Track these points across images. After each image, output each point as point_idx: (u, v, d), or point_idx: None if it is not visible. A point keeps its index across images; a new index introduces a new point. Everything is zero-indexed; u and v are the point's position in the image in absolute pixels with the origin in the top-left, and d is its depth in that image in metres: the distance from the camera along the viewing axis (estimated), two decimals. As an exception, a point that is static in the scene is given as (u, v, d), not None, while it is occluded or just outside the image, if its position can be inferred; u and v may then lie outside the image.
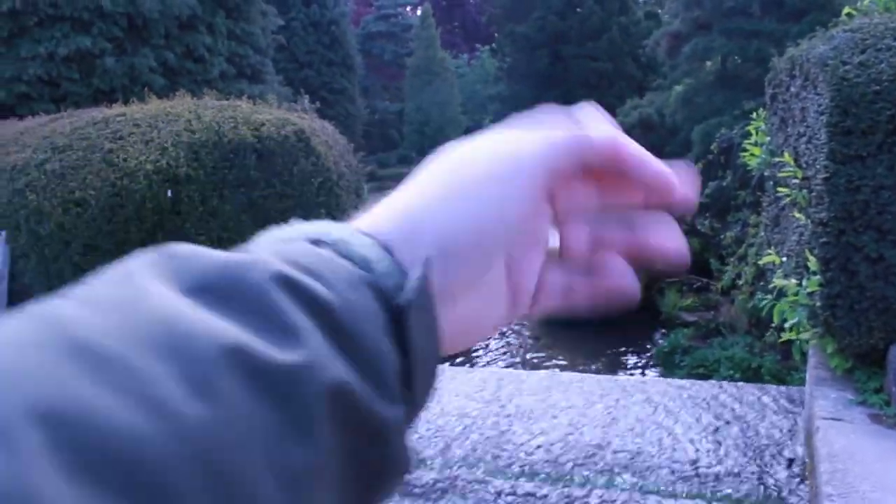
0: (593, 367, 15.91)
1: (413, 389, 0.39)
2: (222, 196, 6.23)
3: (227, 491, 0.27)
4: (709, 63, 17.33)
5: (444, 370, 7.62)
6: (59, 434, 0.23)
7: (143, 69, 15.55)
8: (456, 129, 37.54)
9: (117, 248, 5.64)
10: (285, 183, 6.51)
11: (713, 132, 12.93)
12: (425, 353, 0.40)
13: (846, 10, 5.65)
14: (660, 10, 25.92)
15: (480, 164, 0.47)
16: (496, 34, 36.98)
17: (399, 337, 0.38)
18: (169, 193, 5.84)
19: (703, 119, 14.31)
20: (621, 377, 7.22)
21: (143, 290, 0.31)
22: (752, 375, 8.92)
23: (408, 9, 44.73)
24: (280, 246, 0.39)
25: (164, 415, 0.26)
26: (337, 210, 6.82)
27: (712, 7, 17.45)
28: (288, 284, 0.34)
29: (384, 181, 28.60)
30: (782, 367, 8.69)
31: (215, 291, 0.32)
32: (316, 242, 0.41)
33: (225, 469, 0.27)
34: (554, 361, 16.37)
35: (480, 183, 0.45)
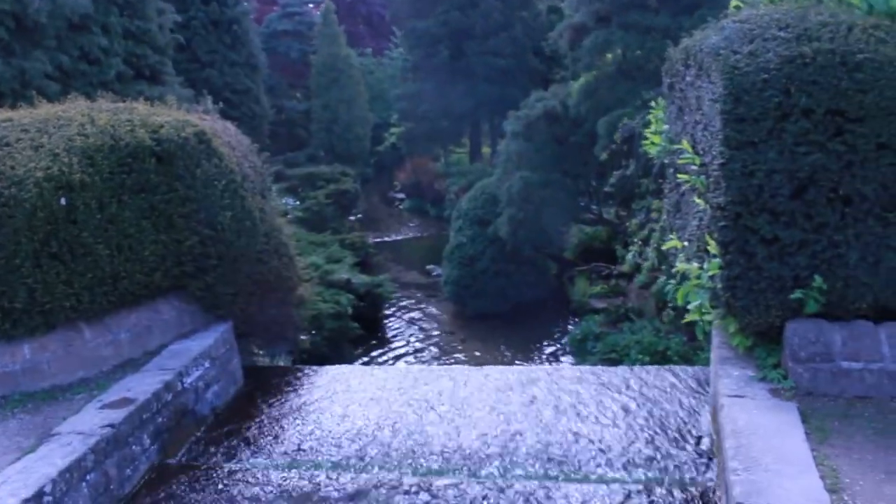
0: (508, 357, 16.10)
1: None
2: (121, 202, 6.01)
3: None
4: (609, 55, 17.69)
5: (360, 368, 7.55)
6: None
7: (36, 74, 14.89)
8: (364, 126, 37.33)
9: (7, 261, 5.37)
10: (188, 186, 6.33)
11: (616, 123, 13.22)
12: None
13: (734, 2, 5.83)
14: (561, 4, 26.33)
15: None
16: (399, 31, 36.93)
17: None
18: (63, 201, 5.59)
19: (606, 110, 14.61)
20: (535, 366, 7.31)
21: None
22: (661, 358, 9.20)
23: (311, 6, 44.11)
24: None
25: None
26: (243, 212, 6.68)
27: (611, 0, 17.82)
28: None
29: (292, 181, 28.22)
30: (688, 349, 8.97)
31: None
32: None
33: None
34: (469, 354, 16.50)
35: None
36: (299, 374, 7.24)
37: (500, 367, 7.32)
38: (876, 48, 4.50)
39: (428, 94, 33.20)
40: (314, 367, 7.56)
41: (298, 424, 6.07)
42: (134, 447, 5.20)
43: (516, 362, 15.04)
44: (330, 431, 5.90)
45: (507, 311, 17.76)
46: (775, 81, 4.49)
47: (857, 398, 4.50)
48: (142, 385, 5.58)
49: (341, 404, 6.41)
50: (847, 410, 4.38)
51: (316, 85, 36.44)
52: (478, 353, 16.14)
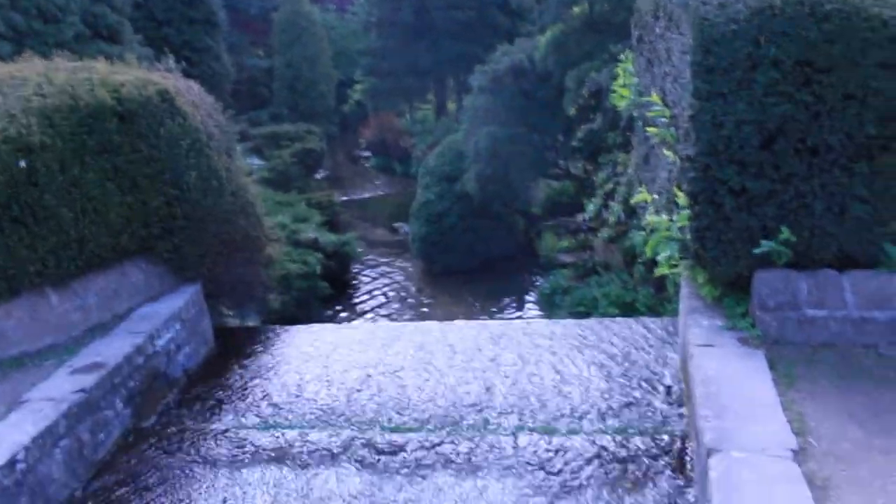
0: (477, 312, 16.19)
1: None
2: (83, 164, 5.88)
3: None
4: (577, 8, 17.56)
5: (331, 326, 7.55)
6: None
7: (-12, 33, 14.45)
8: (327, 83, 36.86)
9: (-33, 226, 5.25)
10: (152, 146, 6.21)
11: (584, 77, 13.17)
12: None
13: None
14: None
15: None
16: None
17: None
18: (22, 164, 5.46)
19: (573, 64, 14.54)
20: (504, 321, 7.36)
21: None
22: (629, 310, 9.30)
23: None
24: None
25: None
26: (208, 171, 6.59)
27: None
28: None
29: (256, 140, 27.87)
30: (656, 300, 9.08)
31: None
32: None
33: None
34: (439, 310, 16.56)
35: None
36: (270, 335, 7.22)
37: (470, 322, 7.37)
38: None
39: (392, 51, 32.83)
40: (285, 327, 7.54)
41: (271, 384, 6.07)
42: (106, 412, 5.17)
43: (485, 317, 15.13)
44: (302, 390, 5.91)
45: (475, 267, 17.82)
46: (745, 32, 4.49)
47: (821, 345, 4.59)
48: (112, 349, 5.53)
49: (313, 363, 6.41)
50: (812, 357, 4.48)
51: (278, 42, 35.85)
52: (447, 309, 16.21)
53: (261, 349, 6.82)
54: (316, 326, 7.67)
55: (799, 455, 3.56)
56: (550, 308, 13.99)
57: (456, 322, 7.30)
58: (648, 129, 5.50)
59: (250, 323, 9.41)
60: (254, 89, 37.01)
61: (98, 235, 6.03)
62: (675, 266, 5.16)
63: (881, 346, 4.52)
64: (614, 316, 7.98)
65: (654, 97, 5.33)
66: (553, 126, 16.41)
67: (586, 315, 10.46)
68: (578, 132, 13.51)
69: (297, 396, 5.82)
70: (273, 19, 36.27)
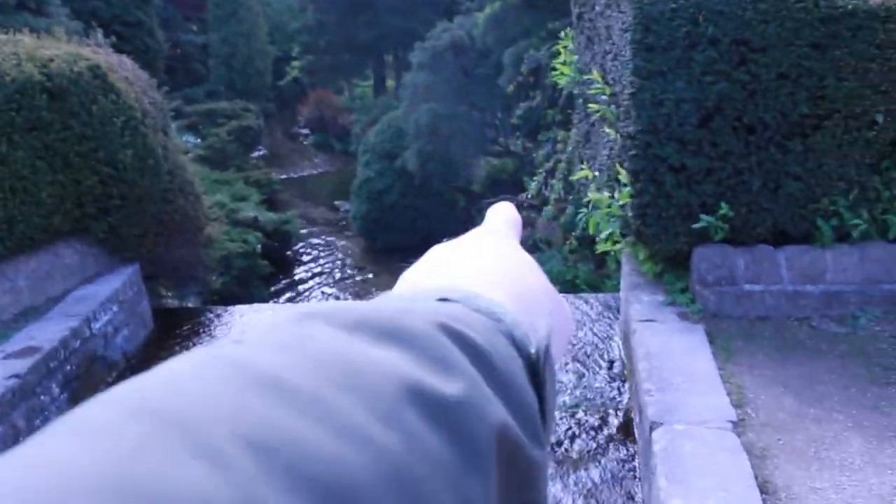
0: (420, 291, 16.17)
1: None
2: (11, 142, 5.67)
3: None
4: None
5: (271, 306, 7.47)
6: (273, 461, 0.25)
7: None
8: (264, 60, 36.21)
9: None
10: (84, 124, 6.01)
11: (523, 54, 13.18)
12: (553, 399, 0.42)
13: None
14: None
15: (512, 254, 0.51)
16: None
17: (533, 384, 0.39)
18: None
19: (512, 41, 14.52)
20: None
21: (309, 331, 0.32)
22: (570, 286, 9.38)
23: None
24: (411, 304, 0.39)
25: (363, 445, 0.27)
26: (144, 150, 6.42)
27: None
28: (445, 329, 0.35)
29: (192, 118, 27.27)
30: (596, 277, 9.18)
31: (376, 330, 0.33)
32: (443, 301, 0.41)
33: (420, 497, 0.28)
34: (380, 288, 16.55)
35: (525, 264, 0.50)
36: (210, 315, 7.12)
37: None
38: (778, -21, 4.60)
39: (329, 26, 32.41)
40: (226, 308, 7.44)
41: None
42: (42, 397, 5.03)
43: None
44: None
45: (416, 244, 17.71)
46: (683, 11, 4.55)
47: (758, 318, 4.72)
48: (46, 333, 5.38)
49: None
50: (750, 330, 4.60)
51: (213, 18, 35.02)
52: (389, 287, 16.19)
53: (202, 331, 6.72)
54: (256, 306, 7.59)
55: (738, 426, 3.65)
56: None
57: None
58: (590, 106, 5.54)
59: (190, 304, 9.25)
60: (189, 66, 36.12)
61: (29, 216, 5.83)
62: (617, 243, 5.23)
63: (814, 318, 4.67)
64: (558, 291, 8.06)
65: (595, 75, 5.37)
66: (493, 103, 16.42)
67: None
68: (518, 109, 13.53)
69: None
70: (207, -7, 35.38)
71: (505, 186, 17.40)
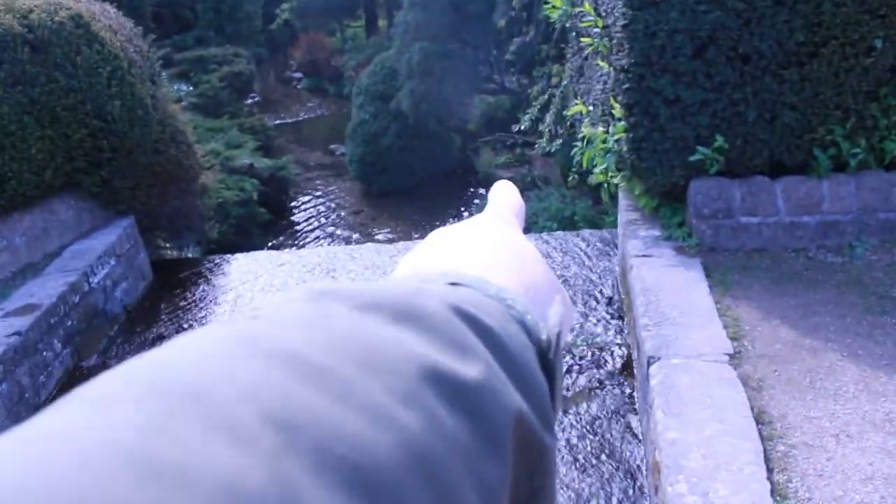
0: (418, 231, 16.20)
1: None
2: (-3, 96, 5.61)
3: (441, 500, 0.27)
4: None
5: (271, 253, 7.47)
6: (298, 439, 0.24)
7: None
8: (253, 3, 35.59)
9: None
10: (69, 76, 5.92)
11: (514, -12, 12.96)
12: (561, 386, 0.41)
13: None
14: None
15: (517, 242, 0.50)
16: None
17: (544, 371, 0.39)
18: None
19: (503, -26, 14.27)
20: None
21: (327, 310, 0.32)
22: (569, 223, 9.36)
23: None
24: (424, 285, 0.39)
25: (386, 425, 0.27)
26: (133, 100, 6.33)
27: None
28: (459, 312, 0.35)
29: (182, 66, 26.90)
30: (595, 213, 9.16)
31: (393, 310, 0.33)
32: (454, 285, 0.40)
33: (441, 479, 0.28)
34: (380, 230, 16.52)
35: (529, 253, 0.50)
36: (209, 265, 7.12)
37: (408, 243, 7.36)
38: None
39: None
40: (224, 256, 7.44)
41: (211, 316, 6.02)
42: (45, 353, 5.06)
43: (425, 236, 15.12)
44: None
45: (414, 185, 17.74)
46: (675, -61, 4.43)
47: (755, 251, 4.71)
48: (45, 289, 5.39)
49: (254, 292, 6.36)
50: (746, 263, 4.60)
51: (198, -40, 34.31)
52: (388, 230, 16.17)
53: (201, 280, 6.73)
54: (255, 254, 7.59)
55: (734, 358, 3.68)
56: (491, 224, 14.03)
57: (396, 244, 7.29)
58: (582, 39, 5.45)
59: (189, 254, 9.25)
60: (176, 12, 35.49)
61: (19, 172, 5.79)
62: (612, 177, 5.20)
63: (810, 249, 4.66)
64: (554, 230, 8.04)
65: (587, 7, 5.26)
66: (486, 40, 16.16)
67: (527, 230, 10.48)
68: (511, 45, 13.33)
69: (241, 326, 5.78)
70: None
71: (501, 124, 17.25)
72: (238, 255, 7.44)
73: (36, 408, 4.91)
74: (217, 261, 7.25)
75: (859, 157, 4.53)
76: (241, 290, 6.41)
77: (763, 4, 4.38)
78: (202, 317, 6.00)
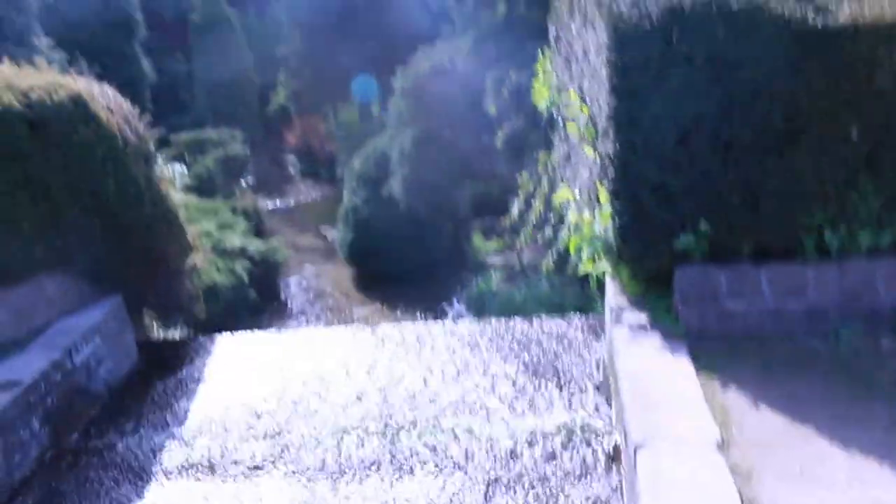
0: (407, 317, 16.15)
1: None
2: (-9, 173, 5.66)
3: None
4: (495, 10, 17.65)
5: (258, 335, 7.43)
6: None
7: None
8: (249, 87, 36.32)
9: None
10: (65, 154, 6.00)
11: (504, 77, 13.28)
12: None
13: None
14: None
15: None
16: (283, -13, 35.76)
17: None
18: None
19: (493, 64, 14.65)
20: (433, 324, 7.36)
21: None
22: (558, 310, 9.37)
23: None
24: None
25: None
26: (126, 179, 6.40)
27: (497, -46, 17.71)
28: None
29: (178, 147, 27.23)
30: (584, 299, 9.18)
31: None
32: None
33: None
34: (369, 315, 16.47)
35: None
36: (196, 346, 7.06)
37: (399, 326, 7.35)
38: (748, -2, 4.65)
39: (315, 53, 32.51)
40: (211, 338, 7.39)
41: (196, 398, 5.94)
42: (22, 432, 4.97)
43: (415, 322, 15.12)
44: (229, 403, 5.78)
45: (405, 271, 17.73)
46: (658, 30, 4.57)
47: (742, 337, 4.71)
48: (28, 366, 5.32)
49: (239, 374, 6.30)
50: (733, 349, 4.59)
51: (197, 46, 35.15)
52: (377, 314, 16.14)
53: (186, 362, 6.66)
54: (242, 336, 7.53)
55: (723, 445, 3.63)
56: (480, 311, 14.02)
57: (384, 326, 7.27)
58: (569, 126, 5.56)
59: (177, 335, 9.18)
60: (175, 94, 36.14)
61: (9, 246, 5.79)
62: (598, 264, 5.23)
63: (797, 335, 4.66)
64: (544, 315, 8.04)
65: (573, 95, 5.39)
66: (476, 127, 16.47)
67: (514, 316, 10.49)
68: (501, 132, 13.59)
69: (223, 409, 5.70)
70: (190, 22, 35.51)
71: (492, 210, 17.40)
72: (225, 337, 7.38)
73: (11, 488, 4.79)
74: (204, 342, 7.20)
75: (839, 244, 4.59)
76: (226, 373, 6.34)
77: (743, 94, 4.49)
78: (186, 399, 5.92)
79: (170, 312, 7.85)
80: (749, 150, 4.53)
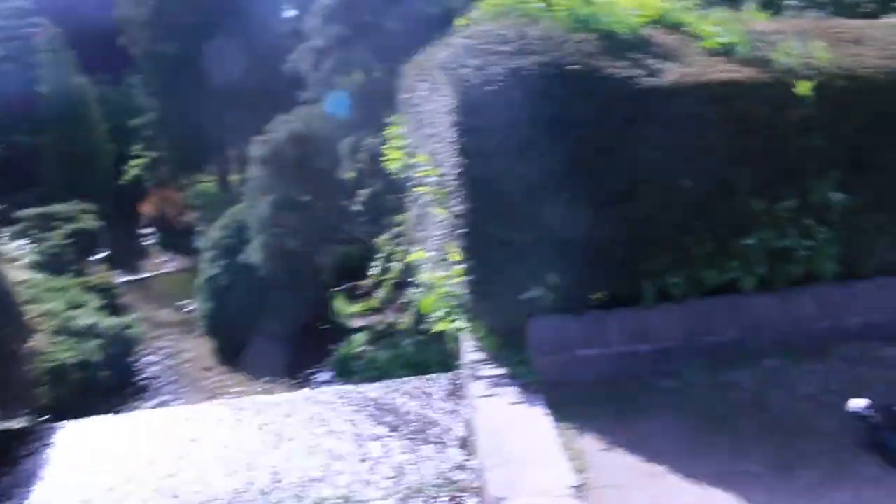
0: (275, 386, 15.74)
1: None
2: None
3: None
4: (352, 76, 17.89)
5: (107, 419, 7.04)
6: None
7: None
8: (104, 158, 35.04)
9: None
10: None
11: (360, 142, 13.44)
12: None
13: (461, 20, 6.10)
14: (303, 27, 26.23)
15: None
16: (136, 57, 34.86)
17: None
18: None
19: (350, 130, 14.81)
20: (296, 393, 7.21)
21: None
22: (422, 369, 9.38)
23: (32, 30, 40.44)
24: None
25: None
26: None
27: (351, 23, 18.04)
28: None
29: (25, 222, 25.79)
30: (447, 357, 9.22)
31: None
32: None
33: None
34: (232, 387, 15.94)
35: None
36: (36, 436, 6.58)
37: (260, 397, 7.15)
38: (586, 61, 4.91)
39: (171, 123, 31.82)
40: (57, 425, 6.92)
41: (37, 492, 5.53)
42: None
43: (278, 392, 14.74)
44: (72, 496, 5.40)
45: (268, 340, 17.36)
46: (501, 92, 4.74)
47: (595, 382, 4.83)
48: None
49: (81, 464, 5.92)
50: (588, 395, 4.69)
51: (46, 118, 33.63)
52: (240, 387, 15.66)
53: (26, 453, 6.19)
54: (91, 420, 7.09)
55: (581, 491, 3.69)
56: (345, 375, 13.89)
57: (242, 399, 7.05)
58: (420, 188, 5.65)
59: (17, 423, 8.56)
60: (22, 168, 34.30)
61: None
62: (455, 321, 5.28)
63: (646, 376, 4.84)
64: (408, 376, 8.02)
65: (423, 157, 5.49)
66: (334, 192, 16.53)
67: (381, 378, 10.41)
68: (359, 197, 13.70)
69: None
70: (39, 94, 33.94)
71: (353, 273, 17.42)
72: (73, 423, 6.92)
73: None
74: (48, 430, 6.73)
75: (679, 287, 4.83)
76: (68, 463, 5.95)
77: (583, 152, 4.70)
78: (24, 494, 5.50)
79: (7, 401, 7.32)
80: (591, 204, 4.72)
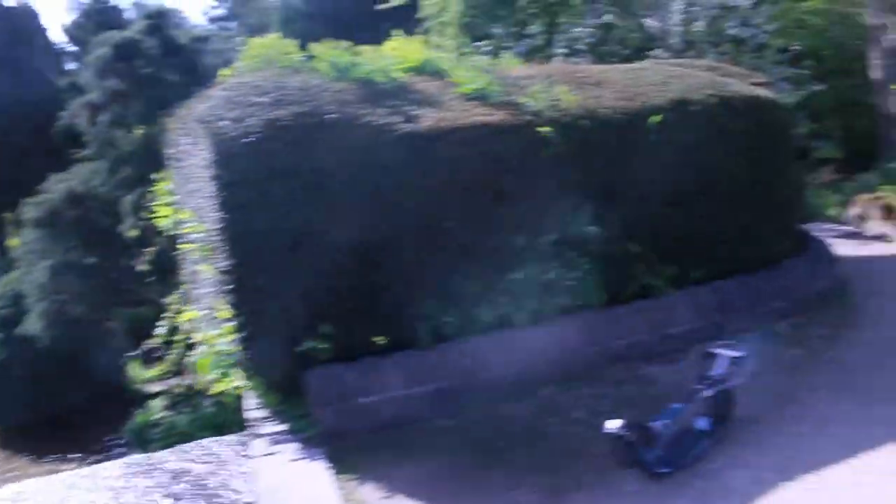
0: (65, 465, 14.55)
1: None
2: None
3: None
4: (133, 131, 17.19)
5: None
6: None
7: None
8: None
9: None
10: None
11: (141, 200, 12.88)
12: None
13: (222, 71, 6.01)
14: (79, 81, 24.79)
15: None
16: None
17: None
18: None
19: (132, 187, 14.17)
20: (79, 471, 6.65)
21: None
22: (221, 429, 8.99)
23: None
24: None
25: None
26: None
27: (128, 76, 17.37)
28: None
29: None
30: (238, 416, 8.92)
31: None
32: None
33: None
34: (20, 473, 14.60)
35: None
36: None
37: (40, 480, 6.55)
38: (343, 109, 4.97)
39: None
40: None
41: None
42: None
43: (60, 472, 13.66)
44: None
45: (56, 416, 16.10)
46: (259, 144, 4.68)
47: (378, 428, 4.81)
48: None
49: None
50: (369, 442, 4.67)
51: None
52: (24, 470, 14.37)
53: None
54: None
55: (361, 542, 3.64)
56: (143, 444, 13.05)
57: (27, 482, 6.45)
58: (187, 245, 5.45)
59: None
60: None
61: None
62: (231, 380, 5.11)
63: (428, 418, 4.88)
64: (209, 437, 7.66)
65: (187, 213, 5.31)
66: (119, 252, 15.71)
67: (184, 442, 9.86)
68: (146, 255, 13.07)
69: None
70: None
71: (147, 336, 16.52)
72: None
73: None
74: None
75: (452, 327, 4.93)
76: None
77: (344, 201, 4.72)
78: None
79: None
80: (356, 252, 4.74)
